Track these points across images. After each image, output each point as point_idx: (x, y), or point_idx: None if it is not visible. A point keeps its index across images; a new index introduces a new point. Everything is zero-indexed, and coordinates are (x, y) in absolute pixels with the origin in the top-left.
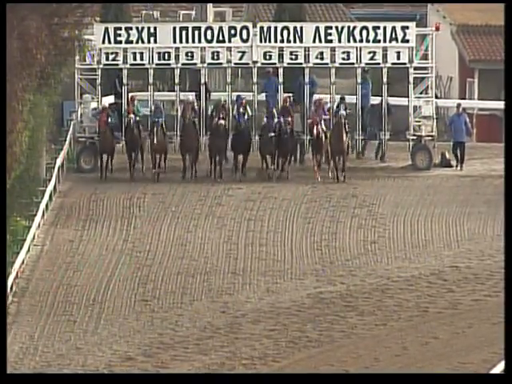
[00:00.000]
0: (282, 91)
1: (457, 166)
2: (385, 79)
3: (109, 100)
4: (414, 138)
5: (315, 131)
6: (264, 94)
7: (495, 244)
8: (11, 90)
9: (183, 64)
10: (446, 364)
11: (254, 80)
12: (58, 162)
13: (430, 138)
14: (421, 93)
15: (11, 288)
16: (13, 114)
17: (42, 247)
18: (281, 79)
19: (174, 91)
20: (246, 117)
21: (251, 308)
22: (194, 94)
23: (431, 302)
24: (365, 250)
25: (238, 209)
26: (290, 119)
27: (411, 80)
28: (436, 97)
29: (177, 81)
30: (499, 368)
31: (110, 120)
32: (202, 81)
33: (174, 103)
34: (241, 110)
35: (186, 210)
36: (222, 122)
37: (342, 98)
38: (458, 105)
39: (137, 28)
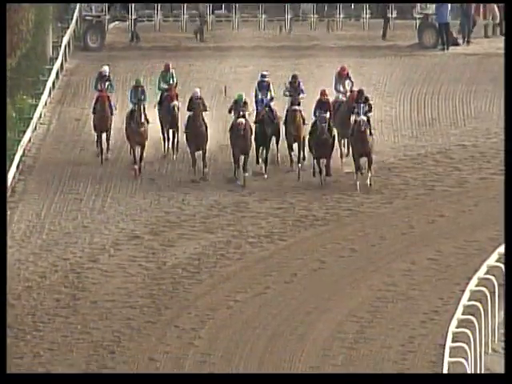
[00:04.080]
0: None
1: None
2: None
3: (105, 69)
4: (421, 16)
5: None
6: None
7: (501, 122)
8: None
9: None
10: (452, 242)
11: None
12: (65, 40)
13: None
14: None
15: (18, 166)
16: None
17: (49, 125)
18: None
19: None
20: (268, 98)
21: (258, 186)
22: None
23: (438, 180)
24: (371, 128)
25: None
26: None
27: None
28: None
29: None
30: (503, 248)
31: (108, 88)
32: None
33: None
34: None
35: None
36: (242, 120)
37: (361, 92)
38: None
39: None
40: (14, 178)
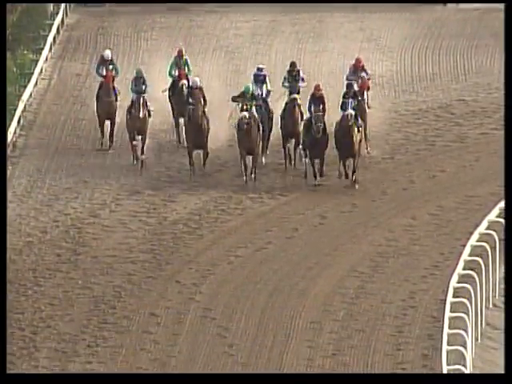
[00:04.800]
0: None
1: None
2: None
3: (107, 53)
4: None
5: None
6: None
7: (502, 77)
8: None
9: None
10: (453, 197)
11: None
12: None
13: None
14: None
15: (19, 121)
16: None
17: (50, 81)
18: None
19: None
20: (264, 91)
21: None
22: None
23: (438, 135)
24: (372, 83)
25: (246, 43)
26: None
27: None
28: None
29: None
30: (502, 204)
31: (113, 72)
32: None
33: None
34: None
35: (193, 44)
36: (246, 114)
37: (350, 86)
38: None
39: None
40: (14, 133)
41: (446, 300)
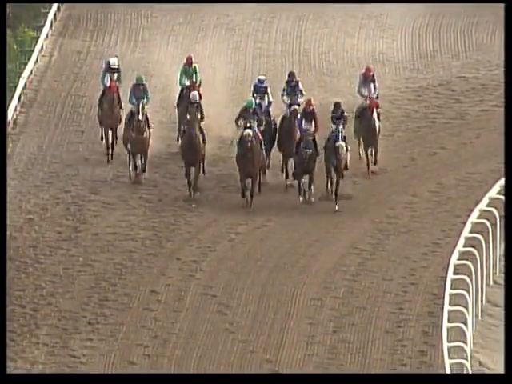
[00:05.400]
0: None
1: None
2: None
3: (114, 60)
4: None
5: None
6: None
7: (503, 54)
8: None
9: None
10: (454, 174)
11: None
12: None
13: None
14: None
15: (19, 99)
16: None
17: (50, 58)
18: None
19: None
20: (266, 103)
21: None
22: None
23: (439, 112)
24: (373, 60)
25: (246, 20)
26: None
27: None
28: None
29: None
30: (503, 181)
31: (118, 84)
32: None
33: None
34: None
35: (194, 22)
36: (249, 132)
37: (337, 105)
38: None
39: None
40: (15, 110)
41: (446, 277)
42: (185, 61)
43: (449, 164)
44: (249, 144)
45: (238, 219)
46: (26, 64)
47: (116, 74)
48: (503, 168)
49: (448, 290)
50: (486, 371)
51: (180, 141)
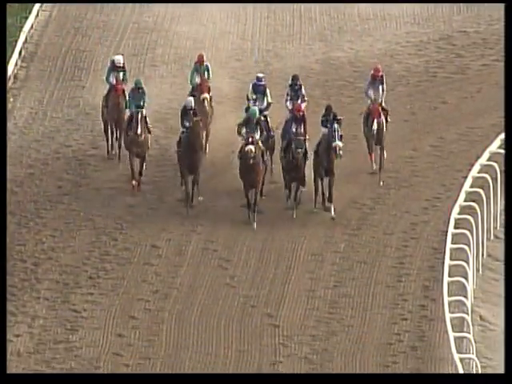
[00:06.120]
0: None
1: None
2: None
3: (119, 58)
4: None
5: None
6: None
7: (503, 8)
8: None
9: None
10: (455, 129)
11: None
12: None
13: None
14: None
15: (20, 53)
16: None
17: (51, 12)
18: None
19: None
20: (264, 104)
21: (259, 71)
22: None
23: (440, 66)
24: (374, 15)
25: None
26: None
27: None
28: None
29: None
30: (503, 135)
31: (123, 80)
32: None
33: None
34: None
35: None
36: (252, 147)
37: (329, 108)
38: None
39: None
40: (16, 64)
41: (447, 231)
42: (196, 59)
43: (449, 118)
44: (251, 161)
45: (238, 175)
46: (26, 18)
47: (121, 73)
48: (504, 122)
49: (449, 245)
50: (487, 325)
51: (177, 147)
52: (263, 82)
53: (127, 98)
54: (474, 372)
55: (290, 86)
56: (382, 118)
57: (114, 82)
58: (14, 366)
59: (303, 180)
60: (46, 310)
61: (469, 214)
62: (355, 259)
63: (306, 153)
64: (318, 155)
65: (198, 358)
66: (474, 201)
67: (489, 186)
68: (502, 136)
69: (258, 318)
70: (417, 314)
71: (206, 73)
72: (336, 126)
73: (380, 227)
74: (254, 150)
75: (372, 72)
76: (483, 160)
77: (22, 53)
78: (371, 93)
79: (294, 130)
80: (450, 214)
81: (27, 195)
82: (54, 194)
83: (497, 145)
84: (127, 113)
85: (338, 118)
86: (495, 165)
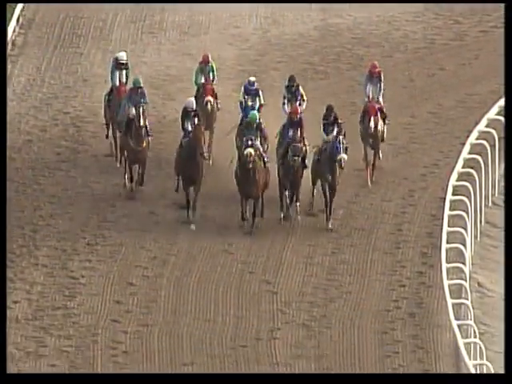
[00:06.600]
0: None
1: None
2: None
3: (122, 55)
4: None
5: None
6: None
7: None
8: None
9: None
10: (453, 95)
11: None
12: None
13: None
14: None
15: (18, 20)
16: None
17: None
18: None
19: None
20: (256, 107)
21: (258, 40)
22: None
23: (438, 33)
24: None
25: None
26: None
27: None
28: None
29: None
30: (501, 102)
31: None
32: None
33: None
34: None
35: None
36: (251, 151)
37: (329, 108)
38: None
39: None
40: (14, 31)
41: (445, 198)
42: (201, 59)
43: (448, 85)
44: (250, 165)
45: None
46: None
47: (125, 71)
48: (502, 89)
49: (447, 211)
50: (485, 291)
51: (176, 154)
52: (255, 87)
53: (125, 99)
54: (472, 338)
55: (287, 87)
56: (380, 120)
57: (118, 83)
58: (12, 333)
59: (298, 190)
60: (44, 276)
61: (467, 181)
62: (353, 226)
63: (304, 160)
64: (319, 164)
65: (196, 325)
66: (472, 167)
67: (487, 153)
68: (500, 103)
69: (256, 285)
70: (415, 281)
71: (210, 74)
72: (341, 137)
73: (378, 194)
74: (253, 153)
75: (369, 68)
76: (481, 126)
77: (20, 19)
78: (369, 90)
79: (290, 134)
80: (448, 181)
81: (25, 162)
82: (52, 160)
83: (495, 111)
84: (127, 111)
85: (340, 121)
86: (493, 131)
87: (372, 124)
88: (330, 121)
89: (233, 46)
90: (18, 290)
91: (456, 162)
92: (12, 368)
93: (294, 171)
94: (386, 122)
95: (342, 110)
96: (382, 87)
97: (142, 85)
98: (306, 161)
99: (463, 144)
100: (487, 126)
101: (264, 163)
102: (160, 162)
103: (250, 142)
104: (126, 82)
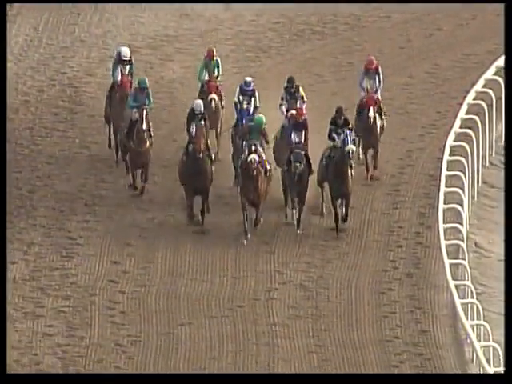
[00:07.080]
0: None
1: None
2: None
3: (125, 50)
4: None
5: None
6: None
7: None
8: None
9: None
10: (450, 55)
11: None
12: None
13: None
14: None
15: None
16: None
17: None
18: None
19: None
20: (252, 109)
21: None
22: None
23: None
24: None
25: None
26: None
27: None
28: None
29: None
30: (501, 62)
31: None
32: None
33: None
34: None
35: None
36: (255, 156)
37: (339, 111)
38: None
39: None
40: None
41: (442, 158)
42: (205, 54)
43: (445, 45)
44: (254, 172)
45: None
46: None
47: (128, 67)
48: (499, 49)
49: (444, 172)
50: (482, 252)
51: (180, 163)
52: (251, 87)
53: (129, 97)
54: (469, 298)
55: (286, 88)
56: (372, 113)
57: (120, 77)
58: (9, 294)
59: (304, 196)
60: (42, 236)
61: (464, 141)
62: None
63: (309, 164)
64: (326, 169)
65: (194, 285)
66: (469, 128)
67: (484, 113)
68: (497, 63)
69: (253, 246)
70: (412, 241)
71: (215, 70)
72: (348, 131)
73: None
74: (256, 159)
75: (365, 64)
76: (478, 87)
77: None
78: (365, 83)
79: (293, 139)
80: (446, 141)
81: (23, 122)
82: (50, 121)
83: (492, 72)
84: (129, 112)
85: (350, 126)
86: (490, 92)
87: (371, 114)
88: (339, 124)
89: (230, 7)
90: (15, 251)
91: (453, 123)
92: (9, 328)
93: (298, 176)
94: (383, 117)
95: (339, 70)
96: (382, 81)
97: (147, 85)
98: (312, 165)
99: (460, 104)
100: (484, 87)
101: (266, 171)
102: (157, 123)
103: (253, 148)
104: (132, 77)
